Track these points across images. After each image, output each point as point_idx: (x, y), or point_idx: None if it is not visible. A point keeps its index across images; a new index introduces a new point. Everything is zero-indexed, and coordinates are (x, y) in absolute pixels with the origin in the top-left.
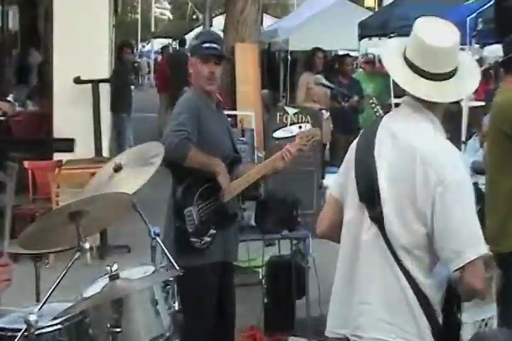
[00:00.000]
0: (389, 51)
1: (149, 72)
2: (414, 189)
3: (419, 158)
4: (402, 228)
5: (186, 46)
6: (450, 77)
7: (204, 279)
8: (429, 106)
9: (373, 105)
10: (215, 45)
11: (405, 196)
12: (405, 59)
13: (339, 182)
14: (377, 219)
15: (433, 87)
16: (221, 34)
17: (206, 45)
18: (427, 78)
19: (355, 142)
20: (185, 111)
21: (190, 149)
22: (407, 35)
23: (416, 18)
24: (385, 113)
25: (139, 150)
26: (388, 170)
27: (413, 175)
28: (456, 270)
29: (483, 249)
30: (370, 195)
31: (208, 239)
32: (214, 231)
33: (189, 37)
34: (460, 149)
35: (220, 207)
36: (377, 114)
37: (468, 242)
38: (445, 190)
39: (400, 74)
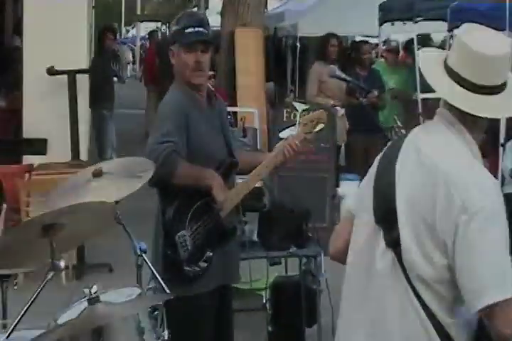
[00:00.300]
0: (427, 59)
1: (134, 62)
2: (433, 214)
3: (443, 180)
4: (421, 258)
5: None
6: (499, 92)
7: (199, 309)
8: (468, 123)
9: (396, 129)
10: (200, 29)
11: (423, 221)
12: (447, 68)
13: (359, 196)
14: (394, 244)
15: (481, 100)
16: (219, 17)
17: (189, 30)
18: (472, 91)
19: (380, 155)
20: (171, 116)
21: (179, 164)
22: (436, 18)
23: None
24: (409, 106)
25: (127, 162)
26: (408, 191)
27: (434, 198)
28: (481, 310)
29: (510, 293)
30: (386, 217)
31: (203, 264)
32: (211, 254)
33: None
34: (498, 153)
35: (216, 225)
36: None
37: (491, 283)
38: (470, 220)
39: (442, 85)
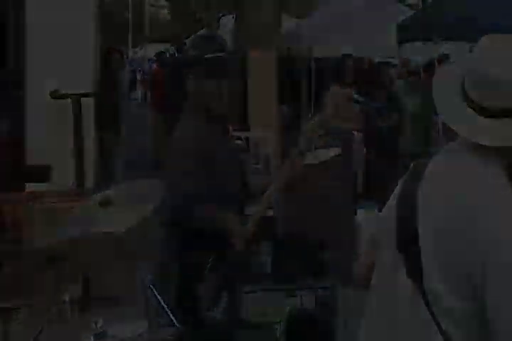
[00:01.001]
0: (441, 81)
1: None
2: (460, 246)
3: (470, 213)
4: (446, 291)
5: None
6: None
7: None
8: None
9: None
10: (220, 54)
11: (448, 254)
12: (464, 92)
13: (382, 221)
14: (415, 275)
15: (497, 128)
16: (230, 38)
17: (209, 55)
18: (484, 115)
19: (402, 179)
20: (186, 161)
21: (199, 208)
22: (458, 38)
23: (468, 19)
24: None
25: (133, 186)
26: (432, 222)
27: (460, 230)
28: None
29: None
30: (409, 246)
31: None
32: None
33: None
34: None
35: (233, 270)
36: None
37: None
38: (500, 257)
39: (453, 111)
